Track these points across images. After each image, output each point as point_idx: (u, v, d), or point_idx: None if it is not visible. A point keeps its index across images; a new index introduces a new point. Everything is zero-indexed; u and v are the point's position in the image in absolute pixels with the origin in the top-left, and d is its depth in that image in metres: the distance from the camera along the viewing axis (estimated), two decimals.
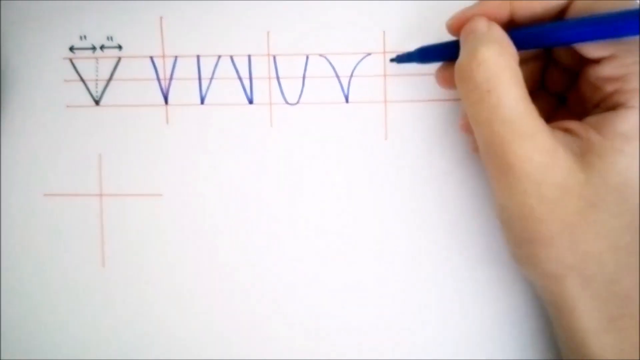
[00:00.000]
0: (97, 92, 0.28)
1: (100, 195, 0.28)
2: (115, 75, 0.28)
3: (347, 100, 0.27)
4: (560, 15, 0.22)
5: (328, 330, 0.27)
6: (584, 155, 0.20)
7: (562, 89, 0.24)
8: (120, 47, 0.28)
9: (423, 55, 0.25)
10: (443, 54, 0.24)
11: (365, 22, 0.27)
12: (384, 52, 0.27)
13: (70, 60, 0.28)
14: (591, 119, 0.21)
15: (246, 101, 0.28)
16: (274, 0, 0.27)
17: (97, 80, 0.28)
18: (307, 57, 0.27)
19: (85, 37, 0.28)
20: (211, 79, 0.28)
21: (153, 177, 0.28)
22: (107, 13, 0.28)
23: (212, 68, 0.28)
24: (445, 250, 0.27)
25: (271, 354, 0.27)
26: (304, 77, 0.27)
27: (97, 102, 0.28)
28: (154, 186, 0.28)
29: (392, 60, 0.26)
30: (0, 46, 0.28)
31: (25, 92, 0.28)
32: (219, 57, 0.27)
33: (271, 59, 0.27)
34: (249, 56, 0.27)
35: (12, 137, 0.28)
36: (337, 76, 0.27)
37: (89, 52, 0.28)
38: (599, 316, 0.20)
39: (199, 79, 0.28)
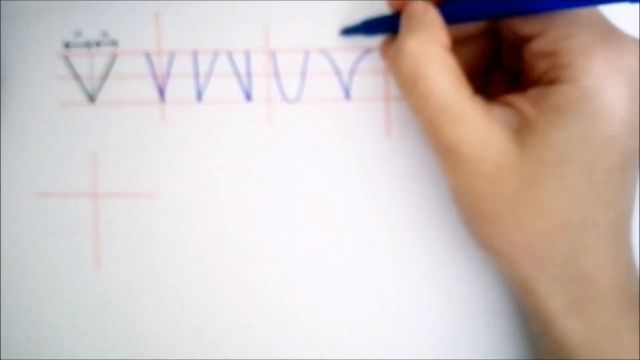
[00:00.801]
0: (92, 89, 0.27)
1: (95, 194, 0.28)
2: (111, 72, 0.27)
3: (347, 97, 0.27)
4: None
5: (329, 330, 0.27)
6: (521, 130, 0.20)
7: (514, 64, 0.24)
8: (115, 43, 0.27)
9: (368, 27, 0.25)
10: (388, 27, 0.24)
11: (366, 17, 0.27)
12: None
13: (65, 56, 0.28)
14: (531, 92, 0.21)
15: (244, 98, 0.27)
16: None
17: (92, 77, 0.27)
18: (307, 53, 0.27)
19: (80, 33, 0.27)
20: (208, 75, 0.27)
21: (149, 175, 0.27)
22: (103, 9, 0.27)
23: (210, 64, 0.27)
24: (447, 247, 0.27)
25: (269, 354, 0.27)
26: (303, 74, 0.27)
27: (92, 99, 0.28)
28: (150, 185, 0.27)
29: (340, 33, 0.26)
30: None
31: (19, 89, 0.28)
32: (217, 53, 0.27)
33: (270, 54, 0.27)
34: (247, 52, 0.27)
35: (5, 135, 0.28)
36: (338, 72, 0.27)
37: (84, 49, 0.27)
38: (561, 298, 0.20)
39: (196, 75, 0.27)
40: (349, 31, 0.26)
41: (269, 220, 0.27)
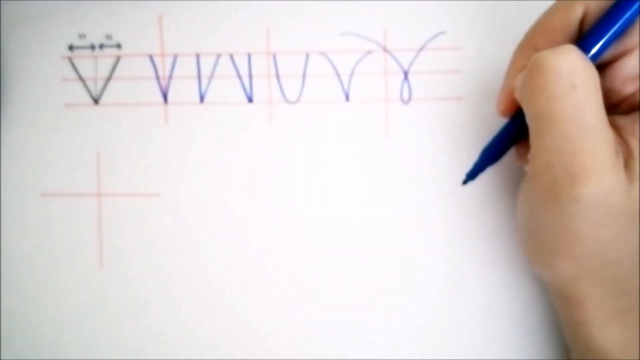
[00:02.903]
0: (96, 91, 0.28)
1: (99, 194, 0.28)
2: (115, 74, 0.28)
3: (347, 99, 0.27)
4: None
5: (330, 330, 0.27)
6: (627, 162, 0.19)
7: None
8: (119, 46, 0.28)
9: (488, 155, 0.23)
10: (508, 142, 0.22)
11: (365, 20, 0.27)
12: (385, 50, 0.27)
13: (69, 59, 0.28)
14: (626, 120, 0.20)
15: (246, 100, 0.27)
16: None
17: (96, 79, 0.28)
18: (307, 55, 0.27)
19: (84, 35, 0.28)
20: (211, 77, 0.27)
21: (152, 176, 0.28)
22: (106, 12, 0.28)
23: (212, 66, 0.27)
24: (444, 249, 0.27)
25: (272, 354, 0.27)
26: (304, 75, 0.27)
27: (96, 101, 0.28)
28: (153, 185, 0.28)
29: (465, 182, 0.24)
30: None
31: (23, 90, 0.28)
32: (219, 55, 0.27)
33: (271, 57, 0.27)
34: (249, 54, 0.27)
35: (10, 136, 0.28)
36: (338, 74, 0.27)
37: (88, 51, 0.28)
38: (606, 310, 0.20)
39: (199, 77, 0.27)
40: (473, 175, 0.24)
41: (270, 220, 0.27)
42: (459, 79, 0.27)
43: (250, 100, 0.27)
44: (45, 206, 0.28)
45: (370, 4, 0.27)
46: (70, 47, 0.28)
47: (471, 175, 0.24)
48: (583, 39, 0.20)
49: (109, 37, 0.28)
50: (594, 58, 0.20)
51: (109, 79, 0.28)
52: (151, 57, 0.28)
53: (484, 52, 0.27)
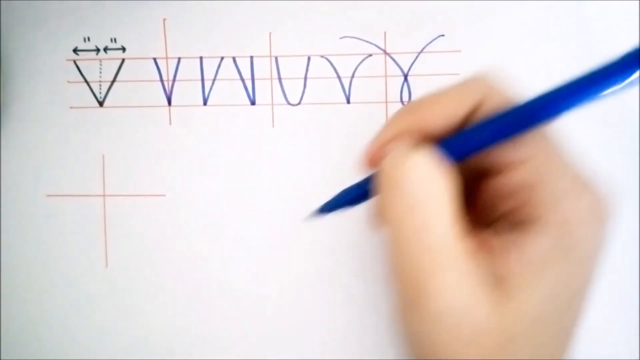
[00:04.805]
0: (100, 93, 0.28)
1: (104, 195, 0.28)
2: (119, 77, 0.28)
3: (348, 101, 0.28)
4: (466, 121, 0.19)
5: (332, 329, 0.27)
6: (501, 282, 0.18)
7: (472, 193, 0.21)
8: (123, 49, 0.28)
9: (346, 197, 0.22)
10: (368, 192, 0.20)
11: (366, 23, 0.27)
12: (385, 53, 0.27)
13: (74, 61, 0.28)
14: (509, 237, 0.19)
15: (248, 102, 0.28)
16: (276, 1, 0.27)
17: (100, 81, 0.28)
18: (309, 58, 0.28)
19: (89, 38, 0.28)
20: (214, 80, 0.28)
21: (156, 177, 0.28)
22: (111, 15, 0.28)
23: (215, 69, 0.28)
24: None
25: (275, 353, 0.27)
26: (305, 78, 0.28)
27: (100, 103, 0.28)
28: (157, 187, 0.28)
29: (314, 214, 0.22)
30: (5, 47, 0.28)
31: (29, 93, 0.28)
32: (222, 58, 0.28)
33: (273, 60, 0.28)
34: (251, 57, 0.28)
35: (16, 138, 0.28)
36: (339, 77, 0.28)
37: (92, 54, 0.28)
38: None
39: (202, 80, 0.28)
40: (326, 209, 0.22)
41: (273, 220, 0.28)
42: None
43: (252, 102, 0.28)
44: (51, 207, 0.28)
45: (371, 8, 0.27)
46: (75, 50, 0.28)
47: (324, 210, 0.22)
48: (456, 136, 0.19)
49: (113, 40, 0.28)
50: (460, 158, 0.19)
51: (113, 81, 0.28)
52: (155, 60, 0.28)
53: (482, 55, 0.27)
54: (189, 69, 0.28)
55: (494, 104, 0.19)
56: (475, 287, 0.17)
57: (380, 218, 0.19)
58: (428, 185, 0.17)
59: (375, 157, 0.20)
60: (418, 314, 0.18)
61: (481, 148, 0.19)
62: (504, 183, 0.19)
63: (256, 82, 0.28)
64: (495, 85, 0.19)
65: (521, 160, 0.19)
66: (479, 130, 0.19)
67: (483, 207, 0.20)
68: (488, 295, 0.17)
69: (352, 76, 0.28)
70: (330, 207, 0.22)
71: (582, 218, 0.18)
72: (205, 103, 0.28)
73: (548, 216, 0.18)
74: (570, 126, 0.27)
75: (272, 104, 0.28)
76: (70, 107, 0.28)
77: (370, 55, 0.27)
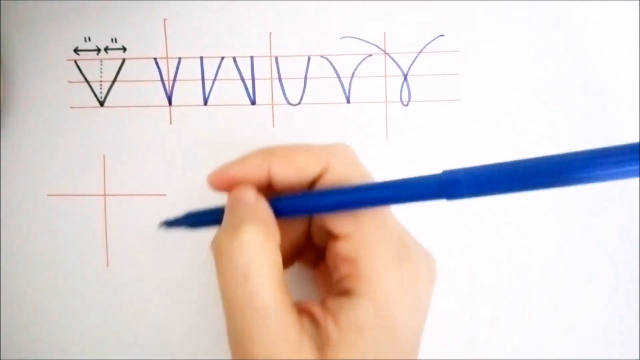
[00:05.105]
0: (101, 93, 0.28)
1: (104, 195, 0.28)
2: (120, 77, 0.28)
3: (348, 101, 0.28)
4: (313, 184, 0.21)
5: None
6: (324, 347, 0.20)
7: (323, 244, 0.23)
8: (124, 49, 0.28)
9: (191, 220, 0.23)
10: (213, 220, 0.22)
11: (365, 24, 0.27)
12: (385, 53, 0.28)
13: (75, 61, 0.28)
14: (332, 303, 0.21)
15: (249, 102, 0.28)
16: (276, 1, 0.28)
17: (101, 81, 0.28)
18: (309, 58, 0.28)
19: (89, 38, 0.28)
20: (214, 80, 0.28)
21: (156, 177, 0.28)
22: (112, 15, 0.28)
23: (215, 69, 0.28)
24: (445, 248, 0.27)
25: None
26: (305, 78, 0.28)
27: (101, 103, 0.28)
28: (158, 186, 0.28)
29: (160, 226, 0.23)
30: (5, 47, 0.28)
31: (29, 93, 0.28)
32: (222, 58, 0.28)
33: (273, 60, 0.28)
34: (252, 57, 0.28)
35: (17, 137, 0.28)
36: (339, 77, 0.28)
37: (93, 54, 0.28)
38: None
39: (202, 80, 0.28)
40: (170, 224, 0.23)
41: None
42: (457, 81, 0.28)
43: (253, 102, 0.28)
44: (51, 207, 0.28)
45: (371, 8, 0.27)
46: (76, 50, 0.28)
47: (167, 224, 0.23)
48: (293, 195, 0.21)
49: (114, 40, 0.28)
50: (289, 215, 0.21)
51: (114, 81, 0.28)
52: (156, 60, 0.28)
53: (481, 54, 0.28)
54: (189, 68, 0.28)
55: (334, 176, 0.21)
56: (299, 346, 0.19)
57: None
58: (260, 257, 0.19)
59: (222, 185, 0.22)
60: None
61: (308, 213, 0.22)
62: (336, 252, 0.21)
63: (256, 82, 0.28)
64: (341, 158, 0.21)
65: (346, 234, 0.21)
66: (310, 197, 0.21)
67: (332, 267, 0.22)
68: (311, 353, 0.19)
69: (352, 76, 0.28)
70: (174, 224, 0.23)
71: (395, 290, 0.20)
72: (205, 103, 0.28)
73: (366, 288, 0.20)
74: (567, 126, 0.27)
75: (272, 104, 0.28)
76: (71, 107, 0.28)
77: (370, 55, 0.28)
